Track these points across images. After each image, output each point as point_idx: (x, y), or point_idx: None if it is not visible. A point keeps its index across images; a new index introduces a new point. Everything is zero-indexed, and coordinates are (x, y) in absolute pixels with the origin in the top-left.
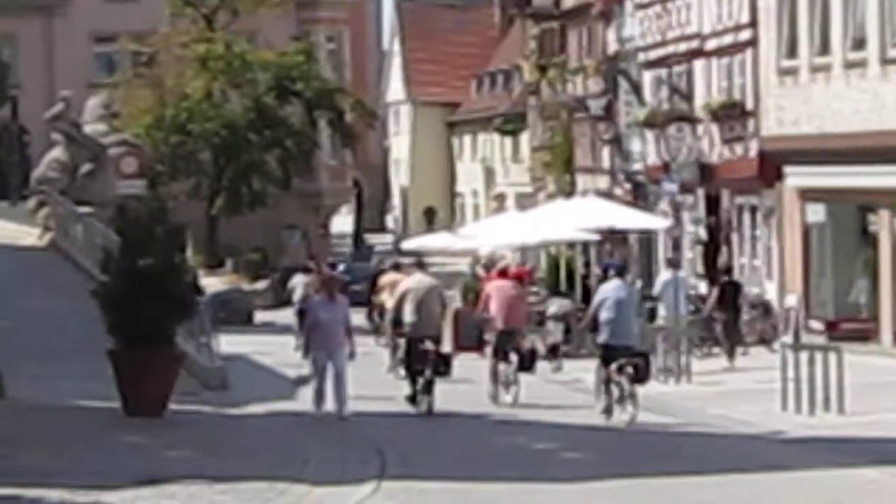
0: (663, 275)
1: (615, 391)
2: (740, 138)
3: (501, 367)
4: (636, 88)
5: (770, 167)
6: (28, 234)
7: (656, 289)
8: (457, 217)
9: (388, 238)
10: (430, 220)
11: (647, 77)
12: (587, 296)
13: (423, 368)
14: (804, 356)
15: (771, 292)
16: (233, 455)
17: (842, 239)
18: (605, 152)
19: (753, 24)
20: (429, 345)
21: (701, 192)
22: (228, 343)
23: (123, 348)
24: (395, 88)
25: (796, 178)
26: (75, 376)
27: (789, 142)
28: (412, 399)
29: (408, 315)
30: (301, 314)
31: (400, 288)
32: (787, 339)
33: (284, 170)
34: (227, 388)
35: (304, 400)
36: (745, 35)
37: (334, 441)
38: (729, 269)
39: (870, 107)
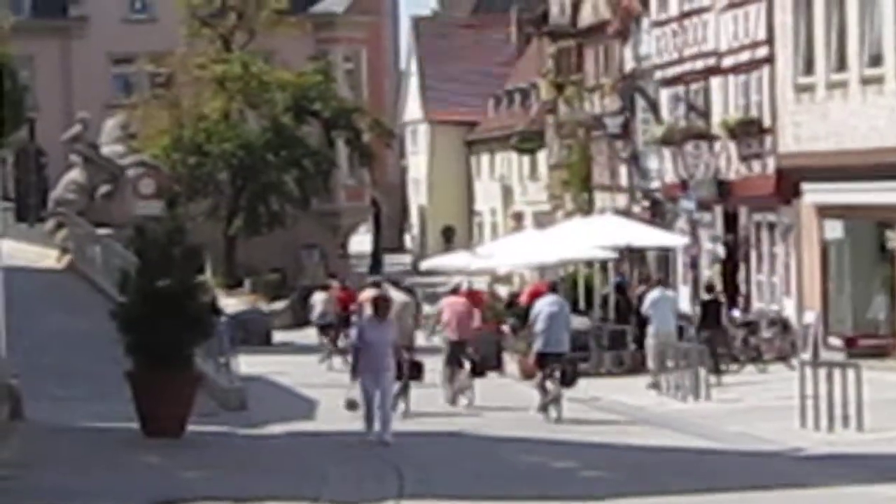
0: (653, 293)
1: (550, 392)
2: (757, 155)
3: (458, 374)
4: (653, 106)
5: (787, 184)
6: (46, 256)
7: (646, 306)
8: (475, 236)
9: (406, 258)
10: (449, 239)
11: (664, 95)
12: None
13: (399, 375)
14: (823, 372)
15: (789, 309)
16: (251, 475)
17: (860, 255)
18: (623, 170)
19: (770, 41)
20: (403, 354)
21: (719, 210)
22: (247, 363)
23: (142, 369)
24: (413, 108)
25: (814, 194)
26: (94, 397)
27: (806, 158)
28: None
29: None
30: (322, 329)
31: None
32: (806, 355)
33: (302, 190)
34: (245, 408)
35: (321, 420)
36: (761, 52)
37: (352, 460)
38: (711, 287)
39: (887, 123)
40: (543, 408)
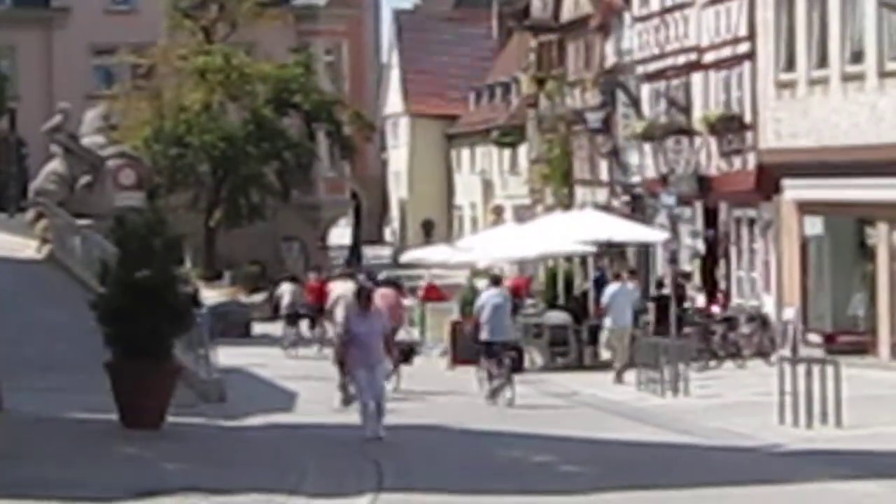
0: (612, 287)
1: (496, 380)
2: (738, 151)
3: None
4: (634, 101)
5: (768, 180)
6: (26, 247)
7: (604, 300)
8: (455, 229)
9: (386, 251)
10: (429, 232)
11: (646, 90)
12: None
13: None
14: (802, 369)
15: (769, 305)
16: (230, 467)
17: (840, 252)
18: (604, 165)
19: (751, 37)
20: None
21: (699, 205)
22: (226, 355)
23: (121, 360)
24: (394, 101)
25: (794, 190)
26: (73, 388)
27: (787, 155)
28: (343, 387)
29: (339, 316)
30: (289, 319)
31: (332, 294)
32: (785, 351)
33: (283, 182)
34: (224, 400)
35: (301, 412)
36: (743, 48)
37: (332, 453)
38: (661, 283)
39: (867, 120)
40: (492, 394)
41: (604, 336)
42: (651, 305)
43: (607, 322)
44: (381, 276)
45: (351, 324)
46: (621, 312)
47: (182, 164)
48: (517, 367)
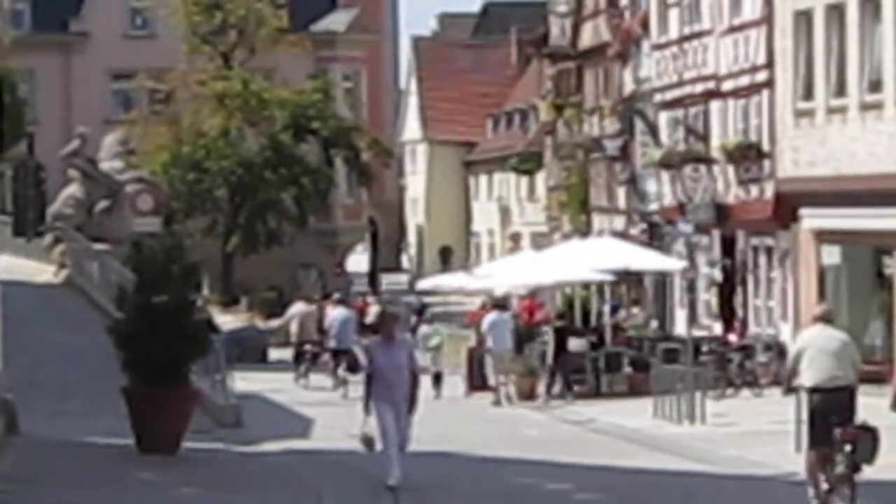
0: (490, 316)
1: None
2: (756, 179)
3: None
4: (652, 129)
5: (786, 209)
6: (44, 271)
7: (484, 327)
8: (472, 256)
9: (403, 277)
10: (446, 259)
11: (663, 117)
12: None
13: (303, 362)
14: None
15: (786, 334)
16: (246, 493)
17: (857, 281)
18: (621, 193)
19: (770, 65)
20: (308, 347)
21: (716, 234)
22: (243, 381)
23: (138, 385)
24: (412, 127)
25: (812, 219)
26: (90, 413)
27: (805, 183)
28: (296, 379)
29: (293, 328)
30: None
31: (288, 313)
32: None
33: (300, 208)
34: (241, 425)
35: (317, 438)
36: (761, 76)
37: (347, 479)
38: (562, 315)
39: (886, 149)
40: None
41: (487, 361)
42: (551, 334)
43: (489, 347)
44: (336, 295)
45: (374, 355)
46: (500, 338)
47: (200, 190)
48: None
